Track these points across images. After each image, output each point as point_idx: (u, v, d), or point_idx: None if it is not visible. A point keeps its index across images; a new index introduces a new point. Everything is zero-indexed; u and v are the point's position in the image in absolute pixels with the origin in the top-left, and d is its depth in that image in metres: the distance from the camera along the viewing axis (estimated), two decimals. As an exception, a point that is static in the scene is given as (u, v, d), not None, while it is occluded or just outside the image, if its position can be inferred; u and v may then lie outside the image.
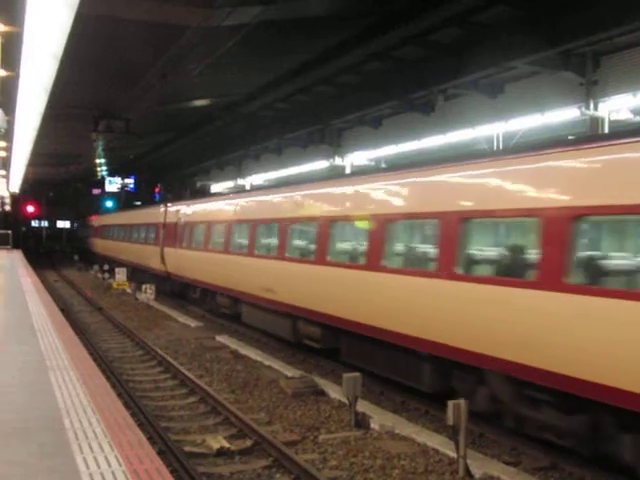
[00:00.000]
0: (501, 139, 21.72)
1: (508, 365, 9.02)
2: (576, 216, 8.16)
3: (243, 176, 38.84)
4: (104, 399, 7.76)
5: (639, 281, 8.35)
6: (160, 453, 8.11)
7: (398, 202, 12.27)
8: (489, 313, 9.45)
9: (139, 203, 49.89)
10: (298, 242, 16.32)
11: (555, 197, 8.61)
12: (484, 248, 10.88)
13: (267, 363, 15.47)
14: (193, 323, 21.75)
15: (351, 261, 13.83)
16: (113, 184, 52.34)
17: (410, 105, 21.83)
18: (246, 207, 19.82)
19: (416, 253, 12.26)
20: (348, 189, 13.99)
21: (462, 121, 20.40)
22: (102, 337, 19.55)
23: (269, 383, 13.61)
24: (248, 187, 36.77)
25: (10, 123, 17.55)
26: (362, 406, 11.17)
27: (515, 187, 9.43)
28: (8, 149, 27.23)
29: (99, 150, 40.55)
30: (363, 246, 12.98)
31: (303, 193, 16.01)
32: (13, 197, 53.76)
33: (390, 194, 12.59)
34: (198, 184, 45.56)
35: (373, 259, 12.29)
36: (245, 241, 18.78)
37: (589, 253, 8.72)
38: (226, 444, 9.73)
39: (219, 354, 16.74)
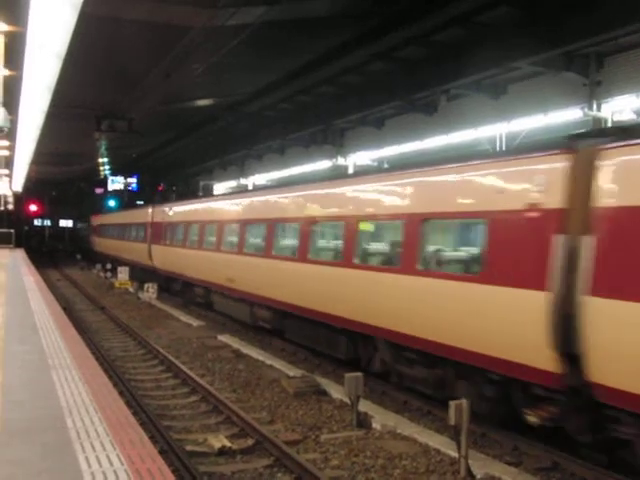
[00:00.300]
0: (504, 140, 21.73)
1: (389, 333, 11.91)
2: (423, 219, 11.12)
3: (246, 176, 38.86)
4: (106, 398, 7.78)
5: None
6: (162, 452, 8.14)
7: (313, 208, 15.58)
8: (375, 293, 12.27)
9: (141, 203, 49.97)
10: (252, 240, 19.08)
11: (412, 205, 11.56)
12: (372, 243, 14.12)
13: (269, 362, 15.49)
14: (195, 322, 21.77)
15: (288, 255, 16.44)
16: (116, 183, 52.38)
17: (412, 105, 21.83)
18: (215, 210, 22.88)
19: (328, 247, 15.50)
20: (285, 197, 17.41)
21: (465, 122, 20.40)
22: (104, 336, 19.58)
23: (271, 382, 13.63)
24: (250, 187, 36.82)
25: (13, 122, 17.58)
26: (364, 406, 11.19)
27: (388, 198, 12.61)
28: (11, 148, 27.27)
29: (102, 149, 40.59)
30: (295, 242, 15.91)
31: (254, 199, 19.69)
32: (16, 196, 53.81)
33: (300, 203, 16.23)
34: (201, 183, 45.58)
35: (302, 253, 15.12)
36: (213, 239, 21.84)
37: (430, 247, 11.50)
38: (228, 443, 9.74)
39: (221, 353, 16.76)
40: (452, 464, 8.88)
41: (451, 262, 11.36)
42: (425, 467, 8.97)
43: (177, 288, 27.12)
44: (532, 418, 9.11)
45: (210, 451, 9.61)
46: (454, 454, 8.86)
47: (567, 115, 17.33)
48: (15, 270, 28.01)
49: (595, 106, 16.49)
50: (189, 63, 19.80)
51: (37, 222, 75.36)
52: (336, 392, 12.52)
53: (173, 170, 51.37)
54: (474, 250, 10.86)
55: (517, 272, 9.07)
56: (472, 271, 10.48)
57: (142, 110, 27.55)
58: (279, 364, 15.28)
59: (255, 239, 18.80)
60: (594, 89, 16.49)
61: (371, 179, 13.56)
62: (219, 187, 43.90)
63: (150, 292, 27.18)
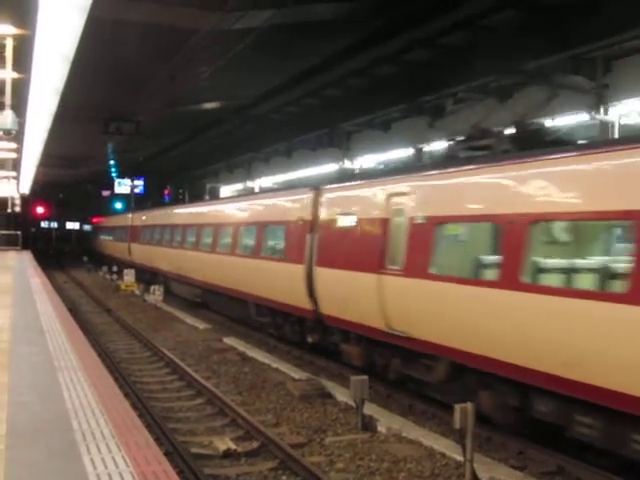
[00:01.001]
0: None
1: (285, 306, 16.68)
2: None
3: (252, 179, 38.90)
4: (112, 400, 7.80)
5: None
6: (167, 454, 8.15)
7: (224, 215, 22.29)
8: (262, 275, 17.90)
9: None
10: (190, 238, 25.74)
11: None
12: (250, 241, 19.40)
13: (274, 365, 15.51)
14: (201, 325, 21.81)
15: (210, 249, 22.74)
16: (122, 186, 52.48)
17: (419, 109, 21.82)
18: (173, 215, 30.72)
19: (249, 244, 19.77)
20: (211, 207, 25.33)
21: (472, 125, 20.36)
22: (110, 338, 19.63)
23: (276, 385, 13.64)
24: (257, 189, 36.87)
25: (21, 125, 17.65)
26: (369, 409, 11.20)
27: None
28: (19, 151, 27.35)
29: (109, 152, 40.68)
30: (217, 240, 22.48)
31: (198, 210, 27.07)
32: (23, 198, 53.91)
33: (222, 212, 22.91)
34: (207, 186, 45.65)
35: (232, 248, 20.67)
36: (169, 237, 29.15)
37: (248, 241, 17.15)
38: (233, 446, 9.76)
39: (226, 356, 16.79)
40: (457, 468, 8.88)
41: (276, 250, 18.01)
42: (430, 471, 8.97)
43: (146, 277, 33.20)
44: (310, 339, 15.93)
45: (215, 453, 9.62)
46: (459, 458, 8.85)
47: (574, 119, 17.30)
48: (22, 272, 28.09)
49: (602, 110, 16.46)
50: (196, 66, 19.84)
51: (44, 224, 75.52)
52: (341, 395, 12.53)
53: (179, 173, 51.45)
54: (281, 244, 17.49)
55: (293, 254, 16.08)
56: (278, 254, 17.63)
57: (149, 113, 27.61)
58: (284, 367, 15.30)
59: (192, 238, 25.48)
60: (601, 92, 16.45)
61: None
62: (225, 190, 43.98)
63: (156, 294, 27.24)
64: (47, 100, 17.40)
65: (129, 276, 33.31)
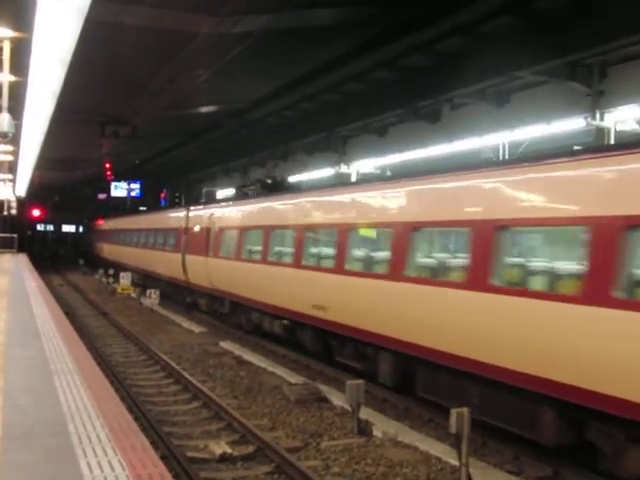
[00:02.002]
0: (507, 148, 21.73)
1: (173, 279, 27.98)
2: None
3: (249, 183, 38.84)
4: (108, 403, 7.80)
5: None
6: (163, 458, 8.15)
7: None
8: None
9: (144, 209, 50.11)
10: (153, 240, 32.44)
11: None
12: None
13: (270, 369, 15.52)
14: (197, 329, 21.81)
15: (135, 245, 35.22)
16: (119, 189, 52.42)
17: (416, 114, 21.86)
18: (133, 221, 39.66)
19: (159, 242, 30.94)
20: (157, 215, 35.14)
21: (468, 130, 20.41)
22: (106, 341, 19.62)
23: (272, 389, 13.65)
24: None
25: (18, 128, 17.64)
26: (365, 413, 11.20)
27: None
28: (15, 153, 27.31)
29: (105, 155, 40.64)
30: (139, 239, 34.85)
31: (151, 216, 36.01)
32: (19, 201, 53.81)
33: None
34: (204, 190, 45.63)
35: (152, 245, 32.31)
36: (133, 239, 37.15)
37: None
38: (229, 450, 9.76)
39: (222, 360, 16.79)
40: (453, 472, 8.89)
41: None
42: (426, 475, 8.98)
43: (111, 271, 41.05)
44: (188, 300, 26.47)
45: (211, 457, 9.63)
46: (455, 462, 8.86)
47: (570, 124, 17.35)
48: (18, 275, 28.05)
49: (598, 116, 16.51)
50: (193, 70, 19.84)
51: (40, 227, 75.39)
52: (337, 399, 12.54)
53: (176, 176, 51.41)
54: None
55: (177, 248, 26.60)
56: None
57: (146, 116, 27.60)
58: (280, 371, 15.30)
59: (154, 240, 32.49)
60: (597, 99, 16.50)
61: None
62: (221, 194, 43.93)
63: (152, 298, 27.24)
64: (44, 103, 17.38)
65: (125, 279, 33.29)
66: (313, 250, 16.02)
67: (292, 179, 31.85)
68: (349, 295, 13.50)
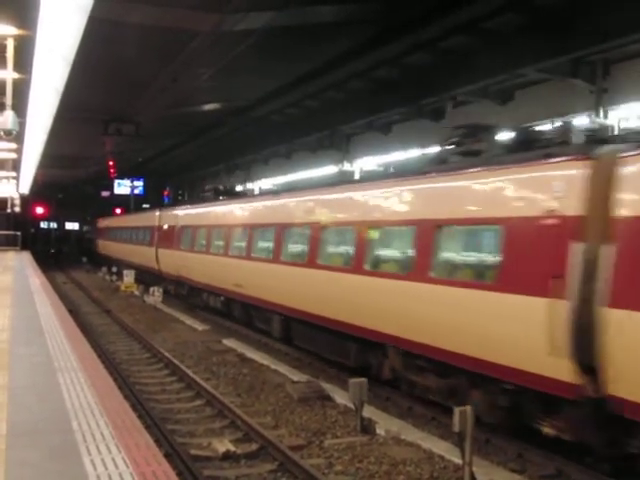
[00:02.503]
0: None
1: (149, 268, 32.38)
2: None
3: (252, 180, 38.91)
4: (111, 401, 7.81)
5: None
6: (166, 456, 8.15)
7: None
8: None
9: (147, 206, 50.19)
10: (135, 236, 36.50)
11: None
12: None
13: (273, 367, 15.52)
14: (200, 326, 21.82)
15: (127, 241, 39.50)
16: (122, 187, 52.51)
17: (419, 111, 21.85)
18: (121, 220, 44.60)
19: (140, 238, 35.02)
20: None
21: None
22: (110, 339, 19.64)
23: (275, 387, 13.65)
24: (257, 191, 36.93)
25: (21, 125, 17.66)
26: (368, 411, 11.20)
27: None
28: (19, 151, 27.37)
29: (109, 153, 40.70)
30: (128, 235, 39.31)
31: (134, 216, 41.00)
32: (22, 198, 53.89)
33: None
34: (207, 188, 45.71)
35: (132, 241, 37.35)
36: (119, 236, 42.26)
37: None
38: (232, 447, 9.76)
39: (225, 357, 16.80)
40: (456, 471, 8.88)
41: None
42: (429, 473, 8.98)
43: (106, 266, 43.92)
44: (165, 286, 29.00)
45: (214, 455, 9.63)
46: (458, 461, 8.85)
47: (574, 122, 17.33)
48: (21, 272, 28.10)
49: (602, 113, 16.49)
50: (196, 68, 19.85)
51: (43, 225, 75.50)
52: (340, 397, 12.54)
53: (179, 174, 51.47)
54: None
55: (151, 243, 31.77)
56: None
57: (150, 114, 27.63)
58: (284, 369, 15.31)
59: (134, 236, 37.10)
60: (600, 96, 16.48)
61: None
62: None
63: (156, 296, 27.26)
64: (47, 101, 17.43)
65: (129, 277, 33.33)
66: (235, 243, 20.44)
67: (294, 177, 32.02)
68: (255, 276, 18.24)
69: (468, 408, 8.48)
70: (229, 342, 18.72)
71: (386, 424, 10.88)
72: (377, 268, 12.57)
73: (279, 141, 30.93)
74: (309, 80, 22.19)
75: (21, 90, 15.71)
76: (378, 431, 10.67)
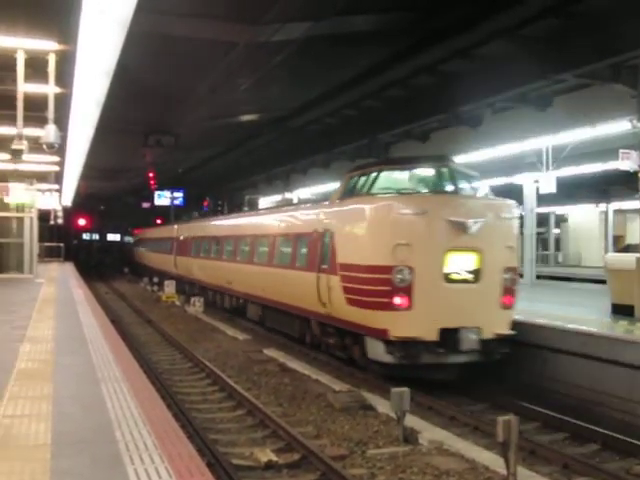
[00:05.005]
0: (550, 152, 21.52)
1: (165, 272, 39.90)
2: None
3: (290, 190, 39.00)
4: (154, 411, 7.84)
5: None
6: (208, 465, 8.16)
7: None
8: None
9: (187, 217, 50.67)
10: (160, 246, 42.57)
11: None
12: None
13: (315, 377, 15.49)
14: (241, 336, 21.88)
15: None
16: (162, 198, 52.98)
17: (458, 119, 21.73)
18: (151, 232, 51.34)
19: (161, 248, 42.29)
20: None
21: (510, 134, 20.24)
22: (152, 349, 19.79)
23: (317, 397, 13.62)
24: (295, 200, 37.04)
25: (63, 139, 17.88)
26: (410, 421, 11.13)
27: None
28: (61, 164, 27.72)
29: (149, 164, 41.10)
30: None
31: (160, 228, 48.97)
32: (65, 210, 54.62)
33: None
34: (246, 198, 45.94)
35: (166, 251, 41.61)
36: (150, 246, 48.78)
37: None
38: (274, 457, 9.75)
39: (267, 367, 16.81)
40: (500, 481, 8.77)
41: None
42: (473, 484, 8.88)
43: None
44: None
45: (256, 465, 9.63)
46: (502, 471, 8.74)
47: (615, 127, 17.10)
48: (65, 283, 28.46)
49: (644, 118, 16.23)
50: (234, 78, 19.96)
51: (85, 236, 76.52)
52: (382, 407, 12.47)
53: (218, 184, 51.78)
54: None
55: (170, 251, 38.51)
56: None
57: (188, 125, 27.84)
58: (325, 378, 15.28)
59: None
60: (643, 101, 16.22)
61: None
62: (264, 201, 44.28)
63: (197, 306, 27.44)
64: (88, 114, 17.61)
65: (170, 287, 33.61)
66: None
67: (332, 187, 32.05)
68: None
69: (512, 418, 8.38)
70: (270, 352, 18.74)
71: (429, 434, 10.80)
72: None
73: (317, 151, 30.96)
74: (346, 89, 22.20)
75: (62, 104, 15.92)
76: (421, 441, 10.59)
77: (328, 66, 19.21)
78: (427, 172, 15.93)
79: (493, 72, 17.86)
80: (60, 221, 50.36)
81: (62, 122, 17.35)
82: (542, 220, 46.78)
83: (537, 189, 27.34)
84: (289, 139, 30.59)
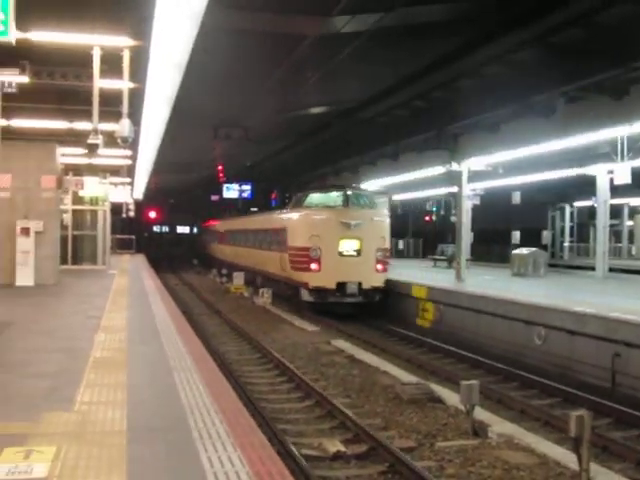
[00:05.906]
0: (625, 142, 20.99)
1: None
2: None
3: (359, 182, 38.94)
4: (226, 400, 7.96)
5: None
6: (277, 455, 8.24)
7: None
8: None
9: (255, 209, 51.13)
10: (213, 237, 57.22)
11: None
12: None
13: (383, 368, 15.49)
14: (309, 327, 22.00)
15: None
16: (231, 191, 53.52)
17: (530, 109, 21.34)
18: (208, 225, 62.99)
19: (229, 239, 49.66)
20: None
21: (584, 124, 19.78)
22: (221, 339, 20.06)
23: (385, 388, 13.62)
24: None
25: (136, 133, 18.20)
26: (479, 414, 11.03)
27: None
28: (133, 158, 28.25)
29: (218, 157, 41.55)
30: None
31: (213, 223, 59.93)
32: (136, 203, 55.67)
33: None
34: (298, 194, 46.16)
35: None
36: (206, 236, 62.41)
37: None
38: (342, 448, 9.80)
39: (334, 358, 16.87)
40: (572, 477, 8.63)
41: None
42: (544, 479, 8.75)
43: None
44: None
45: (325, 455, 9.69)
46: (575, 467, 8.60)
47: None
48: (136, 275, 29.05)
49: None
50: (304, 71, 20.02)
51: (156, 228, 77.91)
52: (451, 399, 12.40)
53: (286, 177, 52.05)
54: None
55: (218, 241, 54.68)
56: None
57: (258, 118, 28.04)
58: (393, 370, 15.26)
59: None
60: None
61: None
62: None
63: (265, 297, 27.68)
64: (160, 108, 17.91)
65: (238, 279, 33.97)
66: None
67: (399, 179, 31.97)
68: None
69: (585, 413, 8.24)
70: (338, 343, 18.80)
71: (498, 427, 10.70)
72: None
73: (386, 142, 30.83)
74: (415, 80, 22.03)
75: (136, 99, 16.21)
76: (490, 434, 10.49)
77: (397, 57, 19.08)
78: (336, 194, 27.35)
79: (567, 60, 17.49)
80: (132, 214, 51.37)
81: (135, 116, 17.66)
82: (615, 212, 45.62)
83: (611, 180, 26.71)
84: (357, 131, 30.52)
